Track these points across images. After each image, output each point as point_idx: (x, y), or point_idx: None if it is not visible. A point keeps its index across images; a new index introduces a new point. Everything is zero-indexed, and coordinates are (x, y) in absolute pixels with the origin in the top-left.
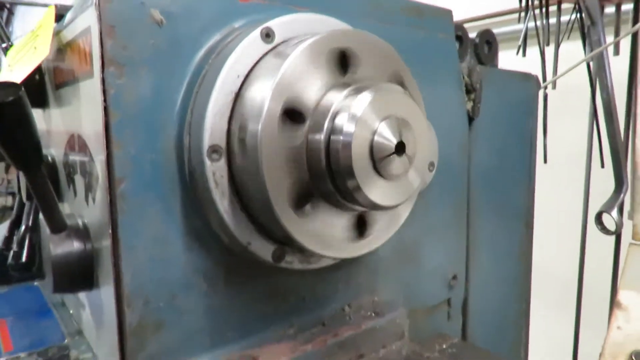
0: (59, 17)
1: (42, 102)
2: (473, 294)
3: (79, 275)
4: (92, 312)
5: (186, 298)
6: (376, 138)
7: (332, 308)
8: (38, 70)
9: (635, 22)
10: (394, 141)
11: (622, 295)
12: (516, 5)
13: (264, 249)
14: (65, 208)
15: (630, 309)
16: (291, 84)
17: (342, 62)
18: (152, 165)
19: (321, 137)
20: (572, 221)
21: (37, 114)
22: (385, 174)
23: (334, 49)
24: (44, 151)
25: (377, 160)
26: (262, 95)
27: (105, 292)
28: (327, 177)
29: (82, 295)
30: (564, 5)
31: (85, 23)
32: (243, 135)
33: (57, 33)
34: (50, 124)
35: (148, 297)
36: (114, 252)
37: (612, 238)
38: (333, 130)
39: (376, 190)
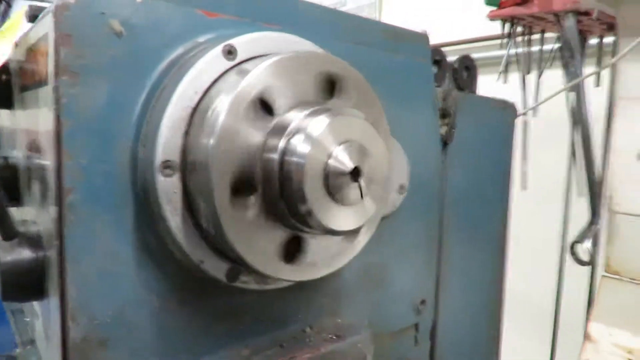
0: (34, 18)
1: (8, 103)
2: (442, 319)
3: (28, 284)
4: (44, 322)
5: (135, 315)
6: (331, 162)
7: (291, 329)
8: (5, 70)
9: (614, 55)
10: (350, 166)
11: (592, 328)
12: (499, 30)
13: (217, 268)
14: (25, 212)
15: (600, 341)
16: (249, 101)
17: (326, 86)
18: (104, 176)
19: (275, 156)
20: (550, 250)
21: (4, 113)
22: (339, 199)
23: (304, 70)
24: (10, 152)
25: (331, 184)
26: (218, 111)
27: (53, 304)
28: (280, 199)
29: (37, 304)
30: (547, 35)
31: (44, 29)
32: (196, 151)
33: (26, 34)
34: (15, 126)
35: (94, 313)
36: (59, 264)
37: (589, 267)
38: (287, 151)
39: (329, 215)
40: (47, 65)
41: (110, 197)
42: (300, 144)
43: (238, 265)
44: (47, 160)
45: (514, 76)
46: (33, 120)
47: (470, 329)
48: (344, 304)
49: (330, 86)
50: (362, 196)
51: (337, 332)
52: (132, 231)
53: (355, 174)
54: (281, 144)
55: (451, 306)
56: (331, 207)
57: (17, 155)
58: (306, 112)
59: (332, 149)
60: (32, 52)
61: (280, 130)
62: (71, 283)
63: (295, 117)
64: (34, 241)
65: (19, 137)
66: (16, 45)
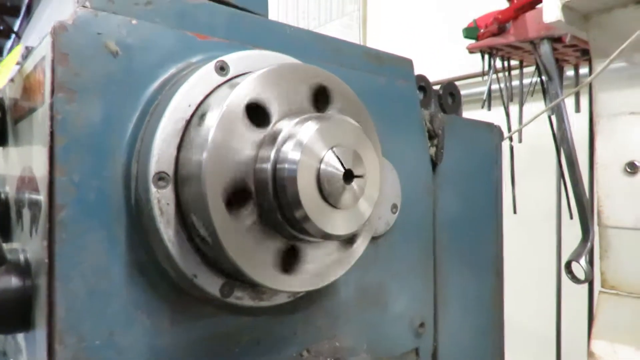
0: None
1: (2, 140)
2: (443, 343)
3: (14, 314)
4: (28, 355)
5: (126, 336)
6: (323, 166)
7: (289, 352)
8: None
9: (590, 82)
10: (342, 169)
11: (595, 346)
12: (480, 68)
13: (211, 283)
14: (14, 246)
15: (604, 359)
16: (240, 112)
17: (315, 97)
18: (97, 193)
19: (268, 166)
20: (546, 274)
21: None
22: (334, 203)
23: (297, 80)
24: (1, 188)
25: (325, 189)
26: (210, 124)
27: (40, 329)
28: (276, 207)
29: (21, 340)
30: (526, 70)
31: (41, 53)
32: (190, 163)
33: (22, 67)
34: (7, 162)
35: (83, 334)
36: (48, 282)
37: (587, 290)
38: (279, 159)
39: (325, 220)
40: (43, 86)
41: (103, 213)
42: (291, 152)
43: (232, 280)
44: (40, 182)
45: (499, 110)
46: (26, 148)
47: (473, 354)
48: (341, 326)
49: (322, 97)
50: (356, 198)
51: (336, 355)
52: (124, 248)
53: (348, 177)
54: (273, 153)
55: (451, 330)
56: (327, 212)
57: (8, 191)
58: (295, 120)
59: (323, 153)
60: (26, 81)
61: (271, 140)
62: (60, 303)
63: (285, 126)
64: (22, 269)
65: (11, 172)
66: (12, 81)
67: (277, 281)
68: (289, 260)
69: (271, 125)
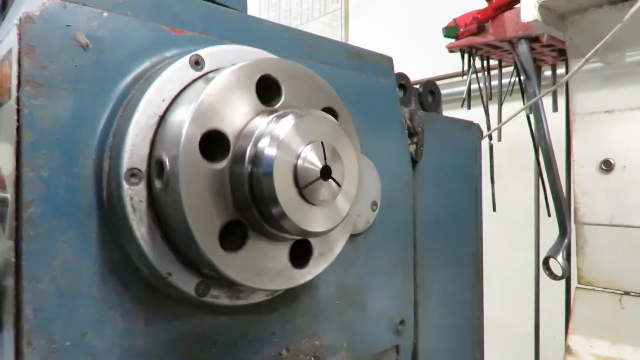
0: None
1: None
2: (423, 340)
3: None
4: None
5: (99, 337)
6: (300, 162)
7: (267, 353)
8: None
9: (566, 81)
10: (319, 165)
11: (572, 340)
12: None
13: (186, 281)
14: None
15: (580, 354)
16: (214, 108)
17: (271, 89)
18: (66, 189)
19: (244, 163)
20: (525, 271)
21: None
22: (311, 200)
23: (261, 75)
24: None
25: (302, 185)
26: (183, 119)
27: (7, 334)
28: (252, 205)
29: None
30: (505, 69)
31: (8, 45)
32: (163, 160)
33: None
34: None
35: (53, 336)
36: (16, 283)
37: (564, 286)
38: (255, 156)
39: (303, 217)
40: (10, 80)
41: (73, 210)
42: (267, 148)
43: (209, 278)
44: (8, 179)
45: (479, 110)
46: None
47: (453, 351)
48: (321, 325)
49: (274, 88)
50: (334, 195)
51: (315, 354)
52: (96, 246)
53: (326, 173)
54: (249, 149)
55: (431, 327)
56: (304, 208)
57: None
58: (271, 116)
59: (300, 149)
60: None
61: (246, 136)
62: (28, 303)
63: (260, 123)
64: None
65: None
66: None
67: (296, 279)
68: (300, 255)
69: (234, 141)
